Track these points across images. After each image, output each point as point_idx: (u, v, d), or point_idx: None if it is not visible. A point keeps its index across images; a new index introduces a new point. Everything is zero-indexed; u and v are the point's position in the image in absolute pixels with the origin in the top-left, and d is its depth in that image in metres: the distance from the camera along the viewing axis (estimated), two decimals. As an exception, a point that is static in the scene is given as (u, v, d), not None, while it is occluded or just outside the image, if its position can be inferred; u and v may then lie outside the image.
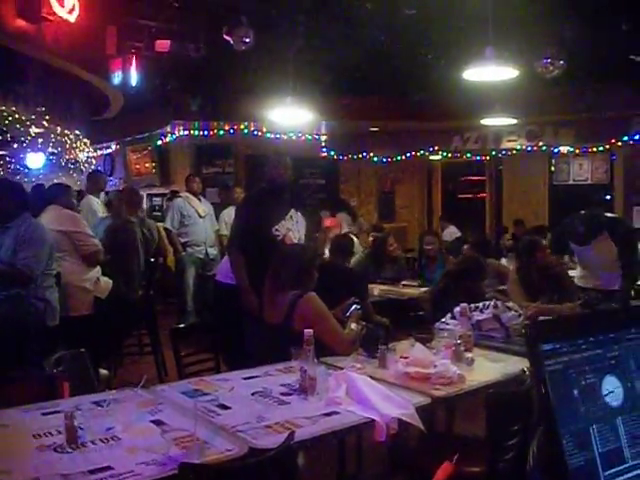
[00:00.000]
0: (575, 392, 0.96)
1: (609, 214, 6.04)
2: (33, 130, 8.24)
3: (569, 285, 5.72)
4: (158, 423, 2.66)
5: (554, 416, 0.91)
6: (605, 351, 1.02)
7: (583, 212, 5.94)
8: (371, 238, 8.50)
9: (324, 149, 12.12)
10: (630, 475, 0.98)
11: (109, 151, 12.92)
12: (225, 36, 6.48)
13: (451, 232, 10.72)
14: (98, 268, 5.72)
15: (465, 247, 8.29)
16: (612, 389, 1.01)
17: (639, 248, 6.03)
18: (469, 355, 3.72)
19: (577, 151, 11.00)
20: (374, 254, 7.52)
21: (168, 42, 6.41)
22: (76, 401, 2.93)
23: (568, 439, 0.92)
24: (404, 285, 7.09)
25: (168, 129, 10.82)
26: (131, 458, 2.29)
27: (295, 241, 5.01)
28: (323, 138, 12.03)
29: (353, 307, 4.14)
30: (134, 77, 7.19)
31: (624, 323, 1.06)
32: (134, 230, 6.61)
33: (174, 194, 9.43)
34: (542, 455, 0.93)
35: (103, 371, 5.93)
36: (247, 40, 6.47)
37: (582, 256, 6.02)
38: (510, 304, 4.53)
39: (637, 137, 9.45)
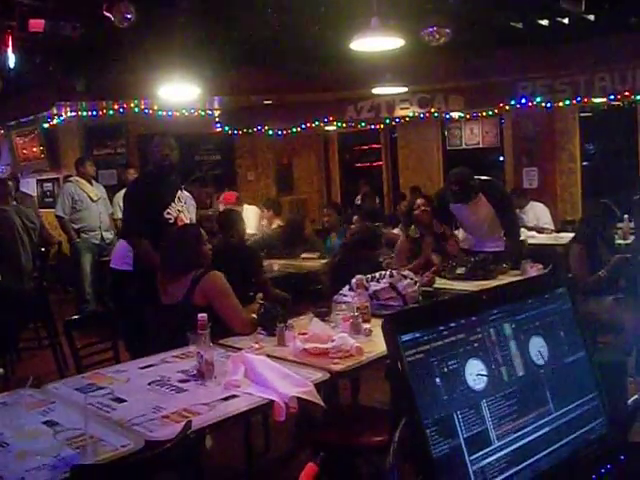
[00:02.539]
0: (437, 380, 0.96)
1: (482, 177, 6.19)
2: None
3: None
4: (50, 424, 2.57)
5: (416, 407, 0.91)
6: (468, 335, 1.02)
7: (454, 170, 6.08)
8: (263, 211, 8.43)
9: (218, 124, 11.93)
10: (496, 456, 0.99)
11: (-7, 136, 12.32)
12: (105, 13, 6.22)
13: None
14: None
15: (355, 217, 8.38)
16: (476, 372, 1.02)
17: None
18: (367, 326, 3.76)
19: (467, 116, 11.26)
20: (288, 236, 7.43)
21: (41, 22, 6.09)
22: (-39, 407, 2.79)
23: (432, 428, 0.92)
24: (304, 258, 7.10)
25: (54, 111, 10.38)
26: (21, 464, 2.20)
27: (187, 222, 4.92)
28: (216, 113, 11.83)
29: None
30: (11, 58, 6.83)
31: (486, 304, 1.07)
32: (10, 218, 6.29)
33: (67, 179, 9.10)
34: (405, 448, 0.93)
35: (-3, 369, 5.72)
36: (129, 16, 6.23)
37: (462, 220, 6.18)
38: (405, 272, 4.60)
39: (523, 101, 9.73)
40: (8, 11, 6.14)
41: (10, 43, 6.67)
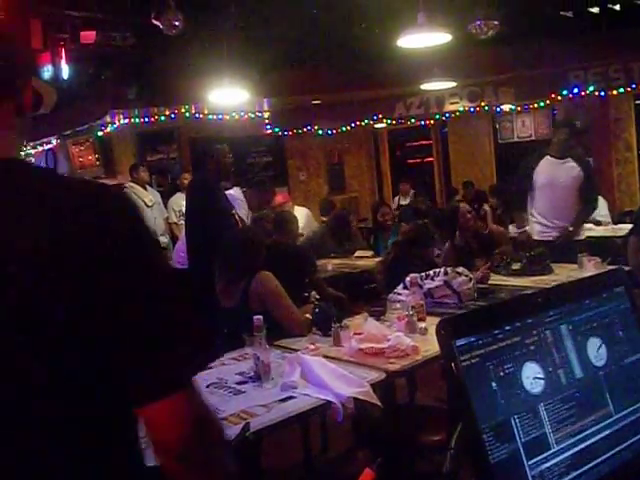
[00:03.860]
0: (493, 384, 0.95)
1: None
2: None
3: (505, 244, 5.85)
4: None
5: (473, 413, 0.90)
6: (524, 338, 1.01)
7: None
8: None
9: (268, 126, 12.02)
10: (556, 460, 0.98)
11: (50, 146, 12.62)
12: (154, 21, 6.33)
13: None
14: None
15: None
16: (532, 376, 1.01)
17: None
18: (422, 325, 3.74)
19: (519, 109, 11.10)
20: (334, 230, 7.46)
21: (93, 33, 6.23)
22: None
23: (489, 433, 0.91)
24: (357, 257, 7.09)
25: (108, 119, 10.59)
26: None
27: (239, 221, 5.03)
28: (266, 115, 11.92)
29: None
30: (65, 70, 6.99)
31: (541, 306, 1.06)
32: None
33: (122, 185, 9.29)
34: (463, 453, 0.92)
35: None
36: (177, 24, 6.32)
37: (548, 185, 6.04)
38: (460, 269, 4.55)
39: (575, 90, 9.55)
40: (60, 24, 6.29)
41: (63, 55, 6.83)
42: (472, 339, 0.94)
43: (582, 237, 6.16)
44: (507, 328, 0.99)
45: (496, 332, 0.97)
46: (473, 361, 0.93)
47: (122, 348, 1.06)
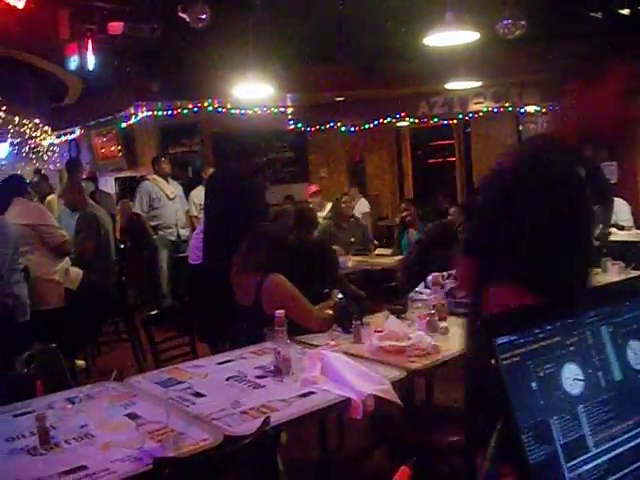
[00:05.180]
0: (533, 384, 0.93)
1: None
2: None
3: None
4: (133, 416, 2.63)
5: (512, 412, 0.89)
6: (564, 338, 0.99)
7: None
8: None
9: (291, 121, 12.00)
10: (594, 463, 0.96)
11: (74, 136, 12.70)
12: (181, 14, 6.35)
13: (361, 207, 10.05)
14: (67, 259, 5.63)
15: (452, 210, 8.25)
16: (572, 377, 0.99)
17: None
18: (444, 324, 3.72)
19: (544, 110, 11.00)
20: (333, 216, 7.57)
21: (121, 24, 6.26)
22: (49, 399, 2.89)
23: (528, 434, 0.89)
24: (377, 255, 7.08)
25: (132, 111, 10.64)
26: (106, 455, 2.26)
27: None
28: (289, 111, 11.91)
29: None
30: (91, 61, 7.02)
31: (583, 307, 1.04)
32: (102, 218, 6.43)
33: (144, 177, 9.32)
34: (501, 454, 0.91)
35: (80, 362, 5.91)
36: (203, 17, 6.34)
37: None
38: (482, 270, 4.52)
39: (601, 92, 9.44)
40: (88, 15, 6.32)
41: (90, 46, 6.86)
42: (513, 337, 0.93)
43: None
44: (548, 328, 0.97)
45: (537, 331, 0.96)
46: (514, 360, 0.91)
47: None
